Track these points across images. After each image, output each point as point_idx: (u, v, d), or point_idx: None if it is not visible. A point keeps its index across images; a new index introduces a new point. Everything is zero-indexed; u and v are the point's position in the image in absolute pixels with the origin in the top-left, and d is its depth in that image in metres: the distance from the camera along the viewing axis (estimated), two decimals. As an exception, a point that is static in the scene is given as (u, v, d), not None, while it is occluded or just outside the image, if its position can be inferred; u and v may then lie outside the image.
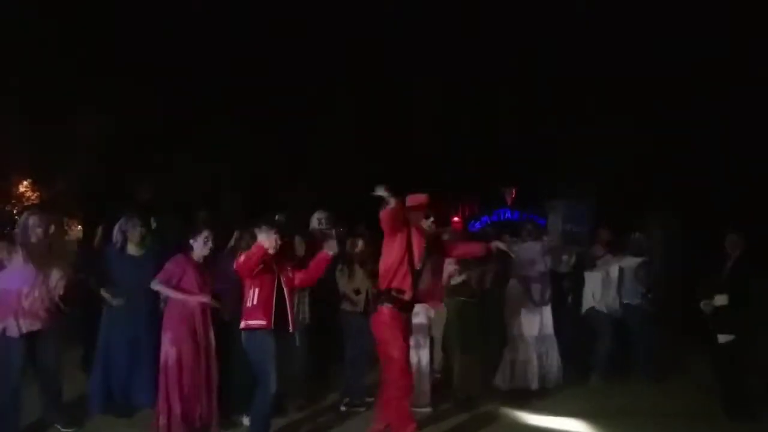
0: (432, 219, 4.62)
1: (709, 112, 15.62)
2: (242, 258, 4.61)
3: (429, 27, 19.50)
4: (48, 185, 17.90)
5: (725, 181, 14.52)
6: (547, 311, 6.48)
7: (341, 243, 6.30)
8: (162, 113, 17.53)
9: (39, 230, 4.88)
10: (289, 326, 4.76)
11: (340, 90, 18.99)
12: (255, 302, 4.62)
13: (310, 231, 6.43)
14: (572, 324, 7.01)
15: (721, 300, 5.53)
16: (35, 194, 18.11)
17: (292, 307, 4.79)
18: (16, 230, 5.05)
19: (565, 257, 7.03)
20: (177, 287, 5.00)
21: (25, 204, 17.54)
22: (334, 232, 6.42)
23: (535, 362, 6.32)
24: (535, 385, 6.29)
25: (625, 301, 7.01)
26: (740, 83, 15.37)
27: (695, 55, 16.11)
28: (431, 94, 19.23)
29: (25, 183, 18.28)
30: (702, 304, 5.73)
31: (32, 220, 4.92)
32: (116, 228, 5.60)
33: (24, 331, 4.74)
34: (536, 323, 6.39)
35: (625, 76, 17.08)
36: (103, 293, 5.36)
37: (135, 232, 5.54)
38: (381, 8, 19.09)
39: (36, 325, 4.81)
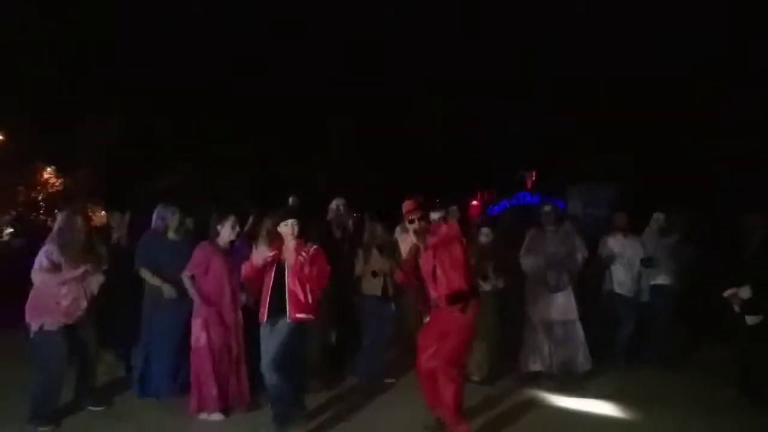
0: (413, 222, 4.53)
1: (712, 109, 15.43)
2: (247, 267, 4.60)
3: (441, 14, 19.30)
4: (71, 173, 17.97)
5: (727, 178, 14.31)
6: (566, 296, 6.10)
7: (357, 230, 6.20)
8: (171, 112, 17.47)
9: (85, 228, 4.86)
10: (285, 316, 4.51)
11: (355, 82, 18.82)
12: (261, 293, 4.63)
13: (328, 219, 6.25)
14: (595, 309, 6.70)
15: (745, 292, 5.29)
16: (59, 181, 18.20)
17: (293, 297, 4.50)
18: (58, 227, 4.88)
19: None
20: (205, 275, 5.01)
21: (50, 191, 17.69)
22: (351, 218, 6.32)
23: (547, 347, 6.05)
24: (553, 369, 6.03)
25: (653, 283, 6.75)
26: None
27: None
28: (447, 80, 19.06)
29: (48, 170, 18.36)
30: (726, 294, 5.46)
31: (79, 221, 4.84)
32: (155, 215, 5.56)
33: (61, 324, 4.70)
34: (554, 308, 6.07)
35: (631, 75, 16.91)
36: (159, 284, 5.29)
37: (174, 219, 5.50)
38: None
39: (72, 319, 4.77)
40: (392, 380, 5.93)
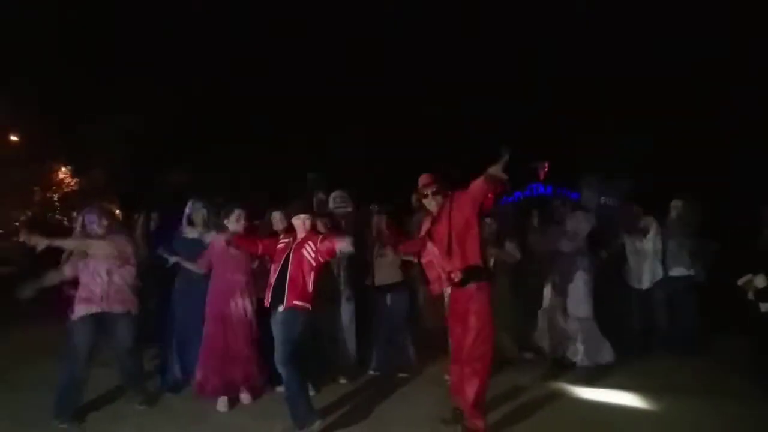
0: (427, 196, 4.62)
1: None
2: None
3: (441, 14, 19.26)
4: (85, 173, 18.06)
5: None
6: (576, 288, 6.13)
7: (361, 222, 6.23)
8: (183, 110, 17.53)
9: (94, 226, 4.93)
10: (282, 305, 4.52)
11: (360, 82, 18.81)
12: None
13: (329, 210, 6.24)
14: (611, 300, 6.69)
15: (760, 281, 5.25)
16: (74, 180, 18.29)
17: (292, 284, 4.49)
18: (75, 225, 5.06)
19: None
20: (209, 264, 5.29)
21: (65, 190, 17.81)
22: (350, 210, 6.30)
23: (555, 334, 6.28)
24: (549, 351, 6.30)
25: (672, 274, 6.70)
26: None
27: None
28: (462, 69, 19.04)
29: (63, 170, 18.45)
30: (740, 282, 5.40)
31: (89, 217, 4.96)
32: (186, 211, 5.66)
33: (80, 315, 4.77)
34: (546, 297, 6.34)
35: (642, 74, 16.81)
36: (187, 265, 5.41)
37: (198, 215, 5.61)
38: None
39: (92, 309, 4.81)
40: (405, 375, 5.88)
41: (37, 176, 17.62)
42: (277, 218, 5.57)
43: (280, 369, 4.42)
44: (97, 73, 16.84)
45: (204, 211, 5.60)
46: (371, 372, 5.95)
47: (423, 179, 4.65)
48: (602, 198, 7.98)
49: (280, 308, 4.47)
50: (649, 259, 6.66)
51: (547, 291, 6.42)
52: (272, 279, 4.61)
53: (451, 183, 4.67)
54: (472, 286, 4.30)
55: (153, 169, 16.43)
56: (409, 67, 19.37)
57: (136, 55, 17.52)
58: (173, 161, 16.43)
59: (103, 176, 16.95)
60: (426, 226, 4.67)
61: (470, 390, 4.28)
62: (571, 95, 17.61)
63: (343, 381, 5.71)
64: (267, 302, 4.59)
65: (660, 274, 6.67)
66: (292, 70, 19.54)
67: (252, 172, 17.04)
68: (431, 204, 4.59)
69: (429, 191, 4.57)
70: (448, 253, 4.36)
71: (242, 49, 18.81)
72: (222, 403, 5.03)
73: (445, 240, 4.37)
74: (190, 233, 5.56)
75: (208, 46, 18.53)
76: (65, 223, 17.64)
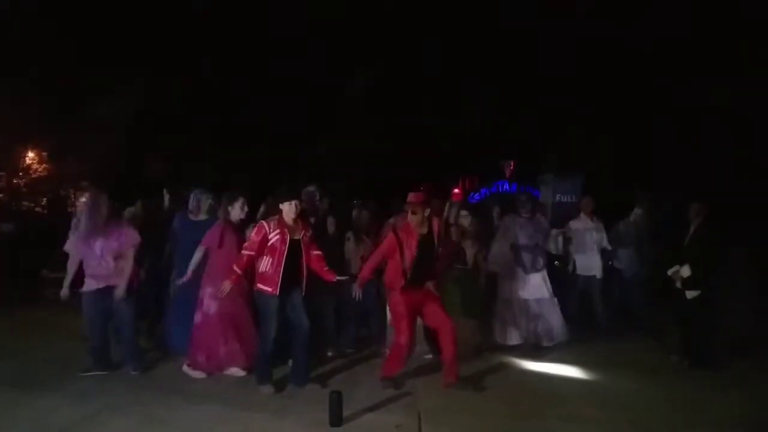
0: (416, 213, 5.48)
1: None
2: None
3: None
4: (58, 159, 17.99)
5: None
6: (540, 277, 6.98)
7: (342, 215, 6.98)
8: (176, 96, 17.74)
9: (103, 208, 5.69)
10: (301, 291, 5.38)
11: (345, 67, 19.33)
12: (267, 270, 5.27)
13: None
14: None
15: (685, 271, 6.30)
16: (42, 166, 18.25)
17: (302, 274, 5.34)
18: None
19: (557, 239, 7.61)
20: (218, 249, 5.92)
21: (32, 176, 17.78)
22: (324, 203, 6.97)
23: (524, 322, 6.92)
24: (530, 340, 6.88)
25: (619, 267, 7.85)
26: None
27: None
28: (435, 68, 19.73)
29: (30, 155, 18.27)
30: (669, 273, 6.48)
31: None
32: (192, 198, 6.51)
33: (91, 288, 5.67)
34: (529, 288, 6.95)
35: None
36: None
37: (206, 203, 6.48)
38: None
39: (102, 283, 5.67)
40: (374, 349, 6.85)
41: (3, 161, 17.52)
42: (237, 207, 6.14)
43: (266, 342, 5.32)
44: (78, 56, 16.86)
45: (206, 197, 6.46)
46: (331, 352, 6.72)
47: (413, 198, 5.53)
48: (557, 195, 8.95)
49: (299, 293, 5.32)
50: (594, 250, 7.63)
51: (510, 282, 7.08)
52: (279, 268, 5.22)
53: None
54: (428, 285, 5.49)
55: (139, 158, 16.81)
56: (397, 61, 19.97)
57: (123, 41, 17.61)
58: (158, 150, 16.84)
59: (76, 162, 16.91)
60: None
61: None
62: (539, 95, 18.47)
63: (330, 353, 6.63)
64: (274, 291, 5.23)
65: (594, 267, 7.64)
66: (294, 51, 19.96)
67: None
68: (415, 218, 5.46)
69: (416, 209, 5.44)
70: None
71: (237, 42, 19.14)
72: (200, 373, 5.81)
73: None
74: (197, 218, 6.44)
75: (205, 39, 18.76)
76: (37, 210, 17.84)
